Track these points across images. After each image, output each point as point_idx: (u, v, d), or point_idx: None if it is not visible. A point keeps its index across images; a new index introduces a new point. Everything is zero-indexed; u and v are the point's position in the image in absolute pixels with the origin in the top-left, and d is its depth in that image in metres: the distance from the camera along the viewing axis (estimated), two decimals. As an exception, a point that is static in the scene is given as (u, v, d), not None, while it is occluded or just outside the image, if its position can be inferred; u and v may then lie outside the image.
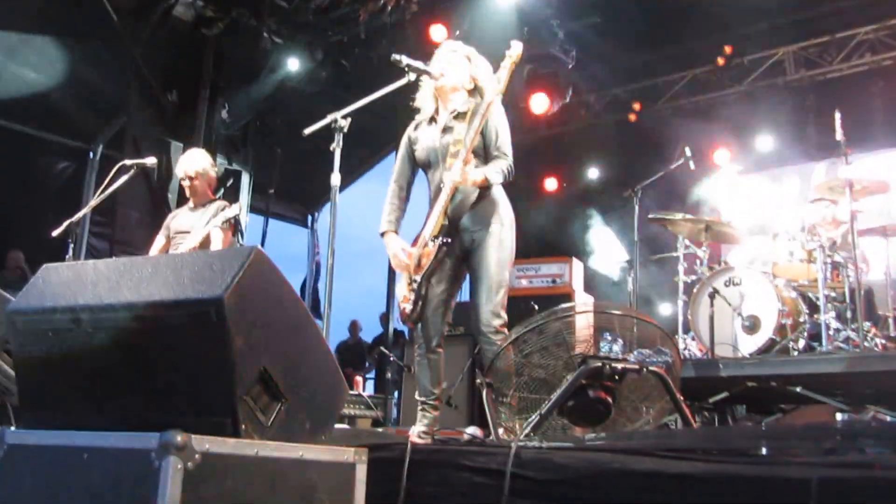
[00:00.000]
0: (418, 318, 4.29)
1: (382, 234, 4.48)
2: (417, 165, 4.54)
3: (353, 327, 12.85)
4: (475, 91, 4.43)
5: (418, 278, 4.23)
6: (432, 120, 4.46)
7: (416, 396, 4.41)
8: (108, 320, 2.47)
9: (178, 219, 5.90)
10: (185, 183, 5.86)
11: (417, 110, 4.57)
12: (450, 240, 4.20)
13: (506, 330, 4.13)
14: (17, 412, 3.49)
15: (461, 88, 4.41)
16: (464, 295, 4.77)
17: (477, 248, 4.22)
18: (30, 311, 2.61)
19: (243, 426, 2.40)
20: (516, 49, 4.23)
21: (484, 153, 4.29)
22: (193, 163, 5.88)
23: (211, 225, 5.49)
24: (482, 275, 4.19)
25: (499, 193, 4.33)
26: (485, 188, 4.24)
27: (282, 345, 2.54)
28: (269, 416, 2.51)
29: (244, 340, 2.37)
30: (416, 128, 4.55)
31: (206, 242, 5.53)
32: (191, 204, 5.93)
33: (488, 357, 3.98)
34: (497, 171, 4.21)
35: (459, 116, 4.29)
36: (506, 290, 4.23)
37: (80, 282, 2.61)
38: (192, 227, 5.63)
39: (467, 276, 4.40)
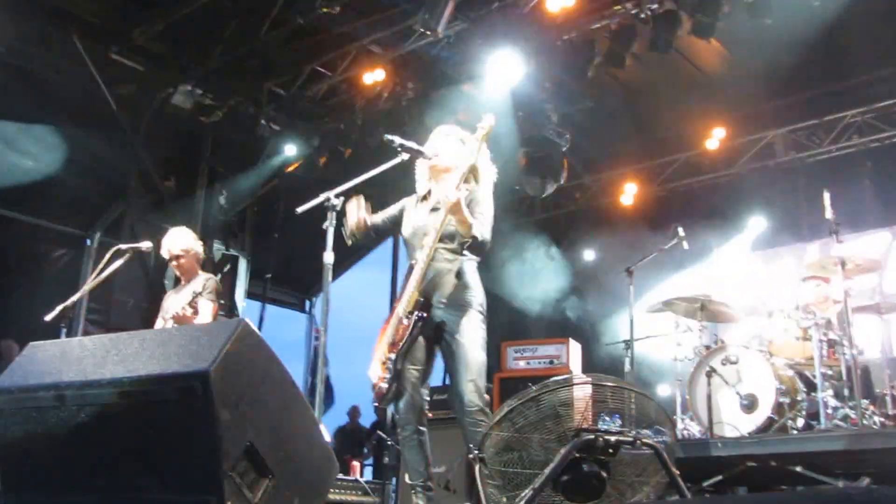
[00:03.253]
0: (394, 398, 4.22)
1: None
2: (398, 229, 4.59)
3: (353, 412, 12.71)
4: (471, 174, 4.42)
5: (393, 356, 4.18)
6: (424, 198, 4.52)
7: (407, 480, 4.33)
8: (92, 397, 2.45)
9: (170, 300, 5.93)
10: (173, 263, 5.90)
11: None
12: (425, 314, 4.17)
13: (489, 410, 4.09)
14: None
15: (454, 169, 4.42)
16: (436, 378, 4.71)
17: (453, 332, 4.19)
18: (13, 390, 2.58)
19: (229, 503, 2.35)
20: (487, 121, 4.28)
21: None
22: (177, 241, 5.90)
23: (185, 300, 5.50)
24: (461, 358, 4.14)
25: (472, 277, 4.35)
26: (464, 242, 4.25)
27: (269, 419, 2.51)
28: (256, 492, 2.47)
29: (230, 414, 2.34)
30: (414, 202, 4.61)
31: (194, 315, 5.52)
32: (182, 282, 5.97)
33: (474, 437, 3.92)
34: (480, 229, 4.21)
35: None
36: (484, 372, 4.19)
37: (65, 359, 2.59)
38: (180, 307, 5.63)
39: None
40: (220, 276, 9.96)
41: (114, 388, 2.41)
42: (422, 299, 4.20)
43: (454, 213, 4.13)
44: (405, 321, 4.18)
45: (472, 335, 4.18)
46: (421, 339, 4.27)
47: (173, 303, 5.78)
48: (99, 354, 2.53)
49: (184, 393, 2.32)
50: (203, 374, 2.29)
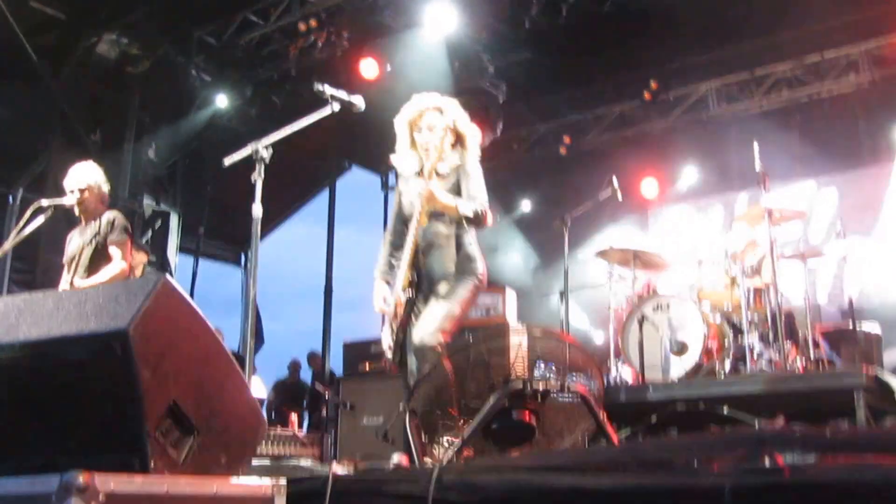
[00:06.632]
0: (400, 363, 4.21)
1: (374, 278, 4.44)
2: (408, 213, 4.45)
3: (294, 367, 12.65)
4: (457, 141, 4.36)
5: (394, 327, 4.20)
6: (419, 173, 4.38)
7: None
8: (6, 360, 2.37)
9: (71, 243, 5.49)
10: (74, 197, 5.39)
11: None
12: (416, 292, 4.16)
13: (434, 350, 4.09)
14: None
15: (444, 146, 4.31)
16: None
17: (441, 292, 4.15)
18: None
19: (153, 463, 2.32)
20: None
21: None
22: (82, 176, 5.45)
23: (95, 242, 5.26)
24: (432, 307, 4.11)
25: (472, 247, 4.28)
26: (458, 223, 4.19)
27: (193, 376, 2.47)
28: (181, 451, 2.43)
29: (151, 373, 2.30)
30: (406, 182, 4.49)
31: (106, 259, 5.29)
32: (82, 223, 5.50)
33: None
34: (468, 206, 4.16)
35: (440, 176, 4.26)
36: (452, 322, 4.09)
37: (-23, 320, 2.50)
38: (81, 250, 5.31)
39: None
40: (150, 232, 9.78)
41: (28, 350, 2.34)
42: (414, 279, 4.17)
43: (433, 206, 4.08)
44: (402, 297, 4.17)
45: (454, 294, 4.11)
46: (421, 308, 4.21)
47: (76, 245, 5.40)
48: (12, 315, 2.44)
49: (102, 353, 2.26)
50: (121, 333, 2.23)
